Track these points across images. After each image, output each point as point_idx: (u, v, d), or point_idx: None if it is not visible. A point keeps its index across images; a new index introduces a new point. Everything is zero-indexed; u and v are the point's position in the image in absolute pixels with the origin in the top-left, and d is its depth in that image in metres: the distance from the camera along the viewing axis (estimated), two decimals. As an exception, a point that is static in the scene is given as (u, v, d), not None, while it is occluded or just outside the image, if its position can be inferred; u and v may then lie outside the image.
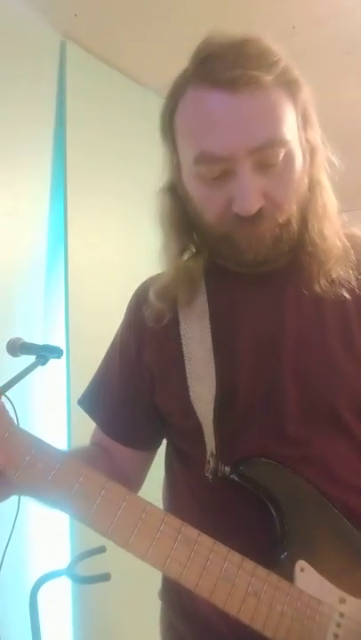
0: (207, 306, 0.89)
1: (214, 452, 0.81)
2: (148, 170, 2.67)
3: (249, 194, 0.75)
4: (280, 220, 0.79)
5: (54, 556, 1.81)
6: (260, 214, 0.77)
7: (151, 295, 0.90)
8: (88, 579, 1.55)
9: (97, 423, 0.99)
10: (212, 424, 0.82)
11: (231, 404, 0.83)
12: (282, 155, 0.76)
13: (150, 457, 1.00)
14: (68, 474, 0.71)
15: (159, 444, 0.99)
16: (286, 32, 2.10)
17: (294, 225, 0.80)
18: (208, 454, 0.81)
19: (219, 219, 0.80)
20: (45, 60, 2.05)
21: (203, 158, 0.76)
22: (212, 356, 0.85)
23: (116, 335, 1.02)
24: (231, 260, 0.85)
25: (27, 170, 1.94)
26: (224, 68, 0.74)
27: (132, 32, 2.09)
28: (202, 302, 0.89)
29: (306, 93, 0.81)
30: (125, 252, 2.22)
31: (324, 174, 0.85)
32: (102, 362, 1.02)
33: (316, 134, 0.84)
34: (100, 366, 1.02)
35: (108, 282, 2.10)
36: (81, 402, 1.02)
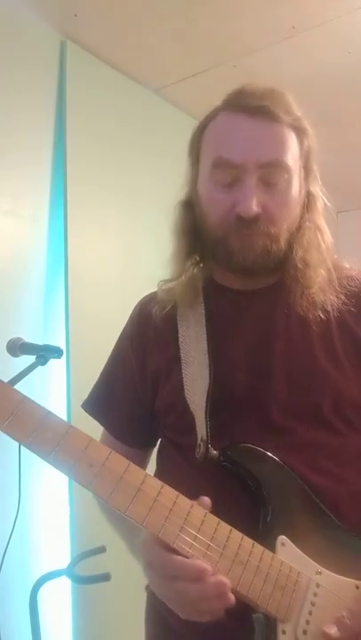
0: (204, 314, 1.00)
1: (204, 438, 0.90)
2: (147, 168, 2.68)
3: (251, 197, 0.89)
4: (271, 232, 0.92)
5: (54, 556, 1.81)
6: (255, 220, 0.90)
7: (160, 293, 1.04)
8: (88, 579, 1.55)
9: (109, 431, 1.09)
10: (203, 414, 0.91)
11: (224, 399, 0.93)
12: (283, 178, 0.91)
13: (150, 453, 1.11)
14: (77, 441, 0.75)
15: (157, 441, 1.09)
16: (286, 32, 2.10)
17: (282, 243, 0.93)
18: (199, 440, 0.90)
19: (221, 220, 0.93)
20: (45, 59, 2.05)
21: (220, 162, 0.91)
22: (207, 357, 0.95)
23: (116, 345, 1.12)
24: (223, 263, 0.97)
25: (26, 170, 1.94)
26: (252, 99, 0.91)
27: (132, 32, 2.09)
28: (200, 310, 1.00)
29: (312, 143, 0.97)
30: (125, 251, 2.22)
31: (322, 219, 1.00)
32: (104, 370, 1.13)
33: (316, 183, 0.99)
34: (101, 375, 1.13)
35: (107, 282, 2.10)
36: (87, 408, 1.12)
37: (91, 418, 1.12)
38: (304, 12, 2.01)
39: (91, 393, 1.13)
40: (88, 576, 1.55)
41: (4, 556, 1.56)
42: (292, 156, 0.92)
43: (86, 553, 1.58)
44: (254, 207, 0.89)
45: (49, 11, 1.99)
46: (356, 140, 2.86)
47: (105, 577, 1.51)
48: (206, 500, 0.78)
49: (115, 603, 1.88)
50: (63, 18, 2.02)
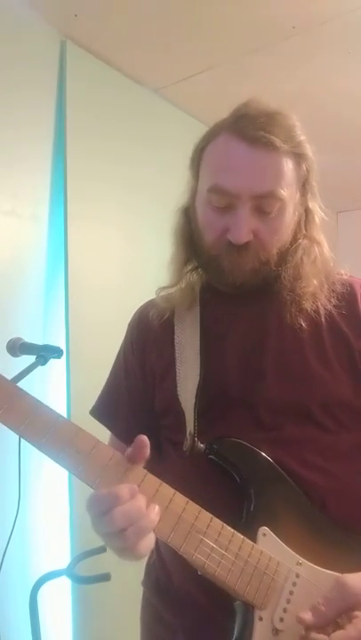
0: (199, 316, 1.04)
1: (192, 432, 0.93)
2: (147, 168, 2.68)
3: (242, 227, 0.93)
4: (261, 258, 0.96)
5: (54, 556, 1.81)
6: (246, 247, 0.94)
7: (158, 299, 1.08)
8: (88, 579, 1.55)
9: (115, 434, 1.11)
10: (192, 410, 0.95)
11: (215, 396, 0.96)
12: (276, 207, 0.94)
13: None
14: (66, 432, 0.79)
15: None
16: (286, 32, 2.10)
17: (271, 265, 0.97)
18: (187, 434, 0.94)
19: (214, 241, 0.97)
20: (45, 59, 2.05)
21: (216, 189, 0.94)
22: (199, 357, 0.99)
23: (118, 352, 1.15)
24: (215, 279, 1.01)
25: (27, 170, 1.94)
26: (253, 127, 0.92)
27: (132, 32, 2.09)
28: (195, 313, 1.04)
29: (311, 166, 0.99)
30: (125, 250, 2.22)
31: (320, 233, 1.02)
32: (108, 377, 1.15)
33: (314, 199, 1.02)
34: (106, 381, 1.15)
35: (108, 282, 2.10)
36: (94, 414, 1.14)
37: (90, 418, 1.13)
38: (304, 12, 2.01)
39: (97, 399, 1.15)
40: (88, 576, 1.55)
41: (4, 556, 1.56)
42: (288, 183, 0.94)
43: (86, 553, 1.58)
44: (244, 237, 0.93)
45: (49, 11, 1.99)
46: (356, 140, 2.86)
47: (105, 577, 1.51)
48: (141, 439, 0.80)
49: (115, 603, 1.88)
50: (63, 18, 2.02)
